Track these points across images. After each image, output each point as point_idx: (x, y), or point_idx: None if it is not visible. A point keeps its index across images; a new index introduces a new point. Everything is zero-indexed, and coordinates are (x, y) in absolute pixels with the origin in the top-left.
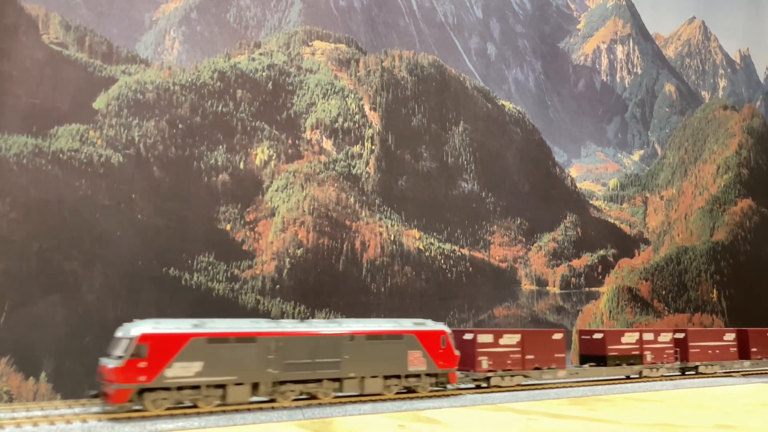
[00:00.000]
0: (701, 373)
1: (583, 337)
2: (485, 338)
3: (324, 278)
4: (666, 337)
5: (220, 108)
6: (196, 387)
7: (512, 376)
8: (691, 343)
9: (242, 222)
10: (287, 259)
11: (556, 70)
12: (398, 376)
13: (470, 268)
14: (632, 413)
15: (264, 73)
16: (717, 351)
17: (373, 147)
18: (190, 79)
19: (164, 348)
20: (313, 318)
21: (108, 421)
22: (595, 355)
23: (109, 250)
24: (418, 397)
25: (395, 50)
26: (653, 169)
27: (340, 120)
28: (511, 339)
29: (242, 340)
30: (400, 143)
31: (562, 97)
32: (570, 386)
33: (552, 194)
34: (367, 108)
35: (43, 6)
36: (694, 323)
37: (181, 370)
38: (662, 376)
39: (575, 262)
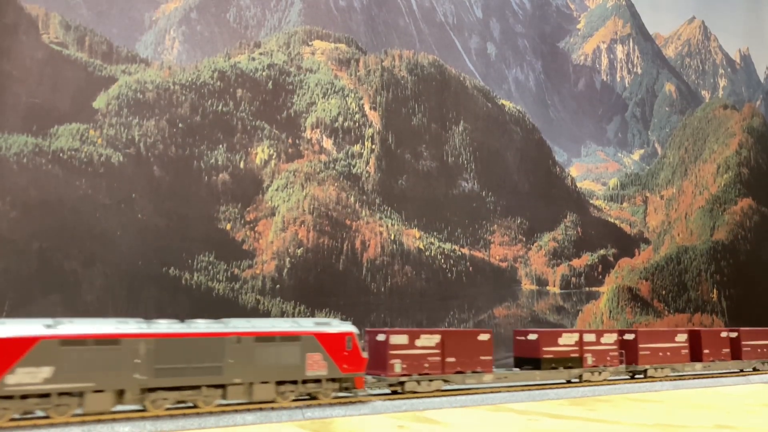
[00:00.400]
0: (651, 377)
1: (517, 337)
2: (399, 339)
3: (324, 278)
4: (610, 338)
5: (220, 107)
6: (45, 395)
7: (430, 380)
8: (641, 345)
9: (242, 221)
10: (287, 259)
11: (556, 69)
12: (294, 382)
13: (470, 268)
14: (632, 413)
15: (264, 73)
16: (668, 353)
17: (374, 146)
18: (190, 79)
19: (4, 352)
20: (313, 318)
21: (108, 422)
22: (530, 357)
23: (109, 249)
24: (417, 398)
25: (395, 50)
26: (653, 168)
27: (340, 119)
28: (429, 340)
29: (102, 342)
30: (400, 143)
31: (562, 96)
32: (496, 392)
33: (552, 193)
34: (367, 107)
35: (43, 6)
36: (694, 323)
37: (25, 377)
38: (605, 380)
39: (575, 262)
